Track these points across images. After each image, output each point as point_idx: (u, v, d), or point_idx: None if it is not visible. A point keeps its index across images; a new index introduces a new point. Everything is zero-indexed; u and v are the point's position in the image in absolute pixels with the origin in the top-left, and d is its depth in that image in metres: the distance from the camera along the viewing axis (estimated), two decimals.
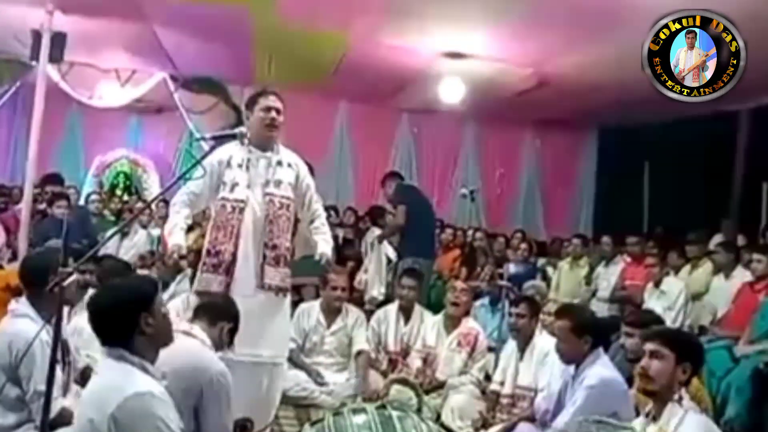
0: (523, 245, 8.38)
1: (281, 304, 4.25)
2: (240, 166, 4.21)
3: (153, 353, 2.60)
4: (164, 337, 2.67)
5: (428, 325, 5.56)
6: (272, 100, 4.33)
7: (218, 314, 3.55)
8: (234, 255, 4.12)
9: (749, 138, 8.97)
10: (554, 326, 4.17)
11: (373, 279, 6.98)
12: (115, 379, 2.46)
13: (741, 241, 7.86)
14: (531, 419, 4.32)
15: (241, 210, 4.16)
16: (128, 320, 2.54)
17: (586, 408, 3.70)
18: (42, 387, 3.12)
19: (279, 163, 4.32)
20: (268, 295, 4.16)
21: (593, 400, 3.72)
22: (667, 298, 6.54)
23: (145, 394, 2.41)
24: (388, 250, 7.24)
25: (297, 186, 4.35)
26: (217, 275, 4.12)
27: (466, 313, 5.64)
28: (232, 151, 4.22)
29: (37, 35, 7.24)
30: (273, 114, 4.30)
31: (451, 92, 8.54)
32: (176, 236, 4.10)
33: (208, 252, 4.18)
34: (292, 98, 11.50)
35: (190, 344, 3.28)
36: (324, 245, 4.35)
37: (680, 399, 2.91)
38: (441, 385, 5.28)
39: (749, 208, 8.91)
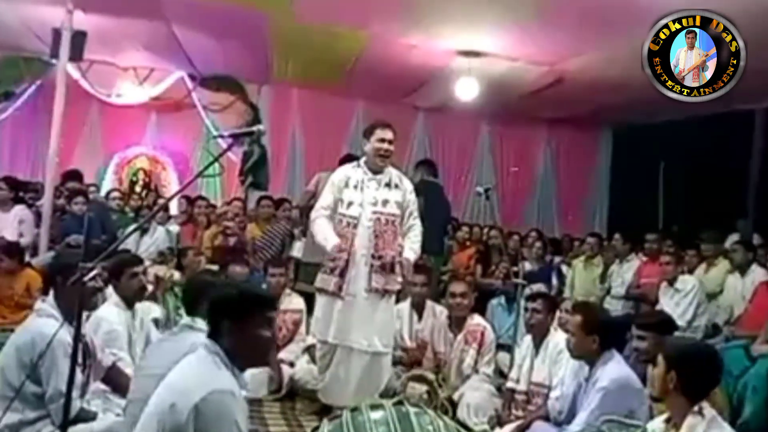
0: (538, 243, 8.40)
1: (387, 303, 5.01)
2: (355, 187, 5.01)
3: (241, 364, 2.64)
4: (251, 355, 2.70)
5: (436, 329, 5.60)
6: (387, 133, 5.04)
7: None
8: (347, 262, 4.90)
9: (765, 137, 8.95)
10: (569, 321, 4.20)
11: None
12: (205, 371, 2.51)
13: (757, 240, 7.84)
14: (545, 418, 4.35)
15: (355, 225, 4.94)
16: (215, 318, 2.62)
17: (601, 409, 3.72)
18: (62, 387, 3.19)
19: (387, 184, 5.05)
20: (375, 296, 4.92)
21: (607, 401, 3.73)
22: (681, 295, 6.55)
23: (227, 392, 2.46)
24: None
25: (402, 204, 5.06)
26: (332, 277, 4.93)
27: (471, 311, 5.67)
28: (350, 172, 5.08)
29: (57, 34, 7.31)
30: (386, 145, 5.03)
31: (467, 90, 8.56)
32: (332, 238, 4.92)
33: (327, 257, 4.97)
34: (308, 97, 11.67)
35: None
36: (408, 252, 5.00)
37: (701, 410, 2.88)
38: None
39: (765, 207, 8.88)
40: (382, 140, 5.01)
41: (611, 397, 3.74)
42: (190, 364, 2.60)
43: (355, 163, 5.19)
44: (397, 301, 5.90)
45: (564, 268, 8.59)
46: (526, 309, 5.07)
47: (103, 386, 3.82)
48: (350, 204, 4.98)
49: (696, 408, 2.88)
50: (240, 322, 2.60)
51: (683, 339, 3.60)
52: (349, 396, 4.73)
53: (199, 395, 2.41)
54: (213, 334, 2.62)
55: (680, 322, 6.22)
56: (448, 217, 8.35)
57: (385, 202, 4.99)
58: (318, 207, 5.14)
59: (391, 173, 5.12)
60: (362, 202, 4.97)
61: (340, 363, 4.96)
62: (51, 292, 3.60)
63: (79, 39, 7.36)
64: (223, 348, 2.58)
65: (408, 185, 5.17)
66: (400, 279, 5.11)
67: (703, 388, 2.96)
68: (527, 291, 6.52)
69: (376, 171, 5.06)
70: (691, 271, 7.09)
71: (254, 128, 3.76)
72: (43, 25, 7.66)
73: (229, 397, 2.46)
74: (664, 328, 4.20)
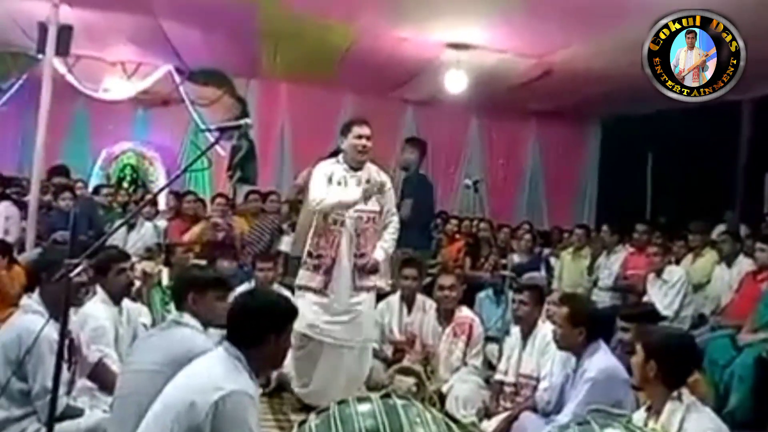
0: (527, 236, 8.42)
1: (369, 298, 5.08)
2: (339, 183, 4.95)
3: (260, 370, 2.70)
4: (276, 362, 2.83)
5: (425, 322, 5.61)
6: (364, 129, 5.02)
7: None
8: (334, 260, 4.90)
9: (752, 128, 9.00)
10: (555, 313, 4.22)
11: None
12: (226, 372, 2.54)
13: (744, 231, 7.89)
14: (533, 409, 4.37)
15: (342, 223, 4.92)
16: (258, 331, 2.62)
17: (589, 400, 3.74)
18: (48, 383, 3.16)
19: (368, 182, 4.98)
20: (360, 294, 4.98)
21: (595, 392, 3.75)
22: (668, 286, 6.59)
23: (246, 394, 2.49)
24: None
25: (381, 200, 5.04)
26: (317, 274, 4.92)
27: (459, 303, 5.68)
28: (333, 168, 5.01)
29: (43, 28, 7.22)
30: (364, 141, 4.99)
31: (456, 83, 8.56)
32: (353, 192, 4.88)
33: (310, 254, 4.99)
34: (296, 91, 11.64)
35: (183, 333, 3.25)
36: (378, 252, 5.01)
37: (680, 395, 2.94)
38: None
39: (752, 198, 8.93)
40: (360, 137, 4.99)
41: (598, 388, 3.76)
42: (209, 364, 2.61)
43: (334, 159, 5.14)
44: (385, 295, 5.91)
45: (552, 260, 8.62)
46: (513, 300, 5.09)
47: (89, 383, 3.80)
48: None
49: (675, 394, 2.94)
50: (280, 334, 2.66)
51: (661, 328, 3.64)
52: (338, 393, 4.72)
53: (218, 394, 2.43)
54: (241, 341, 2.62)
55: (667, 313, 6.27)
56: (433, 208, 8.11)
57: (366, 200, 4.96)
58: (315, 195, 4.99)
59: (370, 169, 5.10)
60: None
61: (328, 361, 4.96)
62: (37, 289, 3.58)
63: (65, 33, 7.28)
64: (244, 353, 2.59)
65: (387, 182, 5.14)
66: (390, 280, 5.12)
67: (681, 375, 3.03)
68: (523, 279, 6.55)
69: (356, 168, 5.03)
70: (678, 262, 7.13)
71: (241, 122, 3.76)
72: (28, 19, 7.58)
73: (248, 399, 2.48)
74: (648, 320, 4.22)
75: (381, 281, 6.71)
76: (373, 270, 4.98)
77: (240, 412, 2.44)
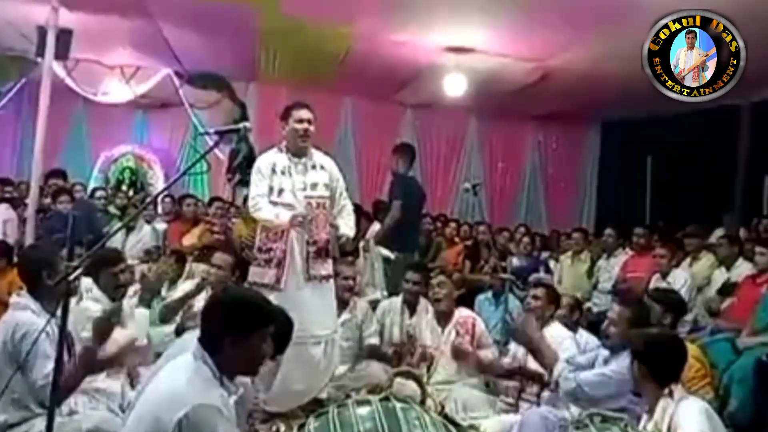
0: (526, 239, 8.42)
1: (327, 288, 4.85)
2: (283, 173, 4.78)
3: (232, 374, 2.58)
4: (244, 368, 2.64)
5: (422, 324, 5.58)
6: (304, 113, 4.84)
7: None
8: (285, 252, 4.69)
9: (751, 132, 9.00)
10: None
11: (375, 284, 6.92)
12: (190, 383, 2.45)
13: (743, 234, 7.88)
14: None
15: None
16: (217, 329, 2.53)
17: (614, 376, 3.73)
18: (43, 371, 3.20)
19: (313, 167, 4.86)
20: (314, 283, 4.75)
21: (622, 376, 3.71)
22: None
23: (212, 407, 2.41)
24: (383, 251, 6.91)
25: (330, 185, 4.89)
26: (268, 269, 4.71)
27: (457, 304, 5.66)
28: (275, 158, 4.82)
29: (42, 32, 7.21)
30: (305, 125, 4.81)
31: (455, 87, 8.57)
32: (285, 212, 4.67)
33: (260, 249, 4.79)
34: (295, 94, 11.61)
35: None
36: (345, 228, 4.89)
37: (671, 392, 3.00)
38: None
39: (751, 202, 8.93)
40: (301, 120, 4.80)
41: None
42: (175, 373, 2.54)
43: (276, 149, 4.92)
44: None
45: (552, 263, 8.62)
46: (524, 298, 5.07)
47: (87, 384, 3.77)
48: (281, 191, 4.77)
49: (666, 391, 3.02)
50: (239, 338, 2.52)
51: (644, 332, 3.66)
52: (302, 393, 4.67)
53: (182, 412, 2.37)
54: (208, 342, 2.53)
55: None
56: (420, 209, 7.77)
57: (314, 186, 4.82)
58: (254, 195, 4.83)
59: (315, 155, 4.94)
60: (292, 188, 4.77)
61: (290, 361, 4.55)
62: (26, 287, 3.56)
63: (64, 37, 7.27)
64: (212, 355, 2.51)
65: (334, 167, 5.01)
66: (385, 292, 4.97)
67: (669, 373, 3.10)
68: (531, 278, 6.53)
69: (300, 154, 4.85)
70: (677, 266, 7.12)
71: (240, 125, 3.76)
72: (27, 23, 7.58)
73: (213, 411, 2.41)
74: (672, 306, 4.25)
75: (377, 293, 6.69)
76: (327, 254, 4.79)
77: (207, 426, 2.38)
